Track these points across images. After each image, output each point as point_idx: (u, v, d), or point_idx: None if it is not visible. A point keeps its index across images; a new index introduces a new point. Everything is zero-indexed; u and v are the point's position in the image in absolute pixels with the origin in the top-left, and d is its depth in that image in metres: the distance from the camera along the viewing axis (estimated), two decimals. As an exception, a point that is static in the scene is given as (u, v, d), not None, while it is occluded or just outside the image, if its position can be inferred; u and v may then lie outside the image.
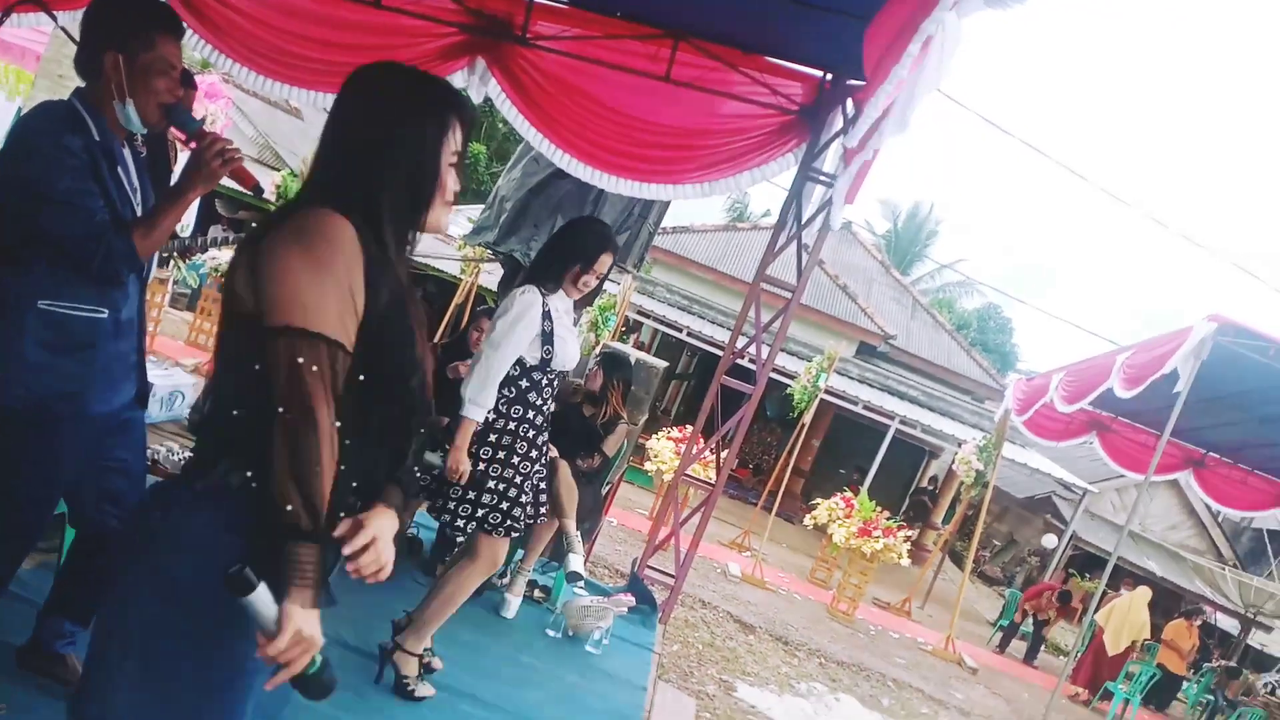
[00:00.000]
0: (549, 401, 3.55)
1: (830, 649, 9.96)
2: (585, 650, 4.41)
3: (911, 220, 39.64)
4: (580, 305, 7.27)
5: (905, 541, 12.05)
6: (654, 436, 11.65)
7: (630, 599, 4.86)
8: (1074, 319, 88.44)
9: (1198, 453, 16.08)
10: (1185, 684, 14.40)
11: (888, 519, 12.11)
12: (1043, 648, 14.01)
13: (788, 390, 13.34)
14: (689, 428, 9.83)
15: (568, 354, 3.51)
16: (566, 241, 3.63)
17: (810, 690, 8.59)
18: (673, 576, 5.92)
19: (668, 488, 6.32)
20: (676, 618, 8.90)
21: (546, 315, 3.43)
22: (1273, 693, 17.98)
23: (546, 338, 3.43)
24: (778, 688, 8.27)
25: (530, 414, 3.47)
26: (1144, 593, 13.05)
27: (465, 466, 3.32)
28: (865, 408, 16.31)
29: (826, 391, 13.45)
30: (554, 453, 4.71)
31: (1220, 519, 24.49)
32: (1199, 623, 14.25)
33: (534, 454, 3.52)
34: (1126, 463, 16.07)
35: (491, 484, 3.40)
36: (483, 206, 6.19)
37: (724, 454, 6.20)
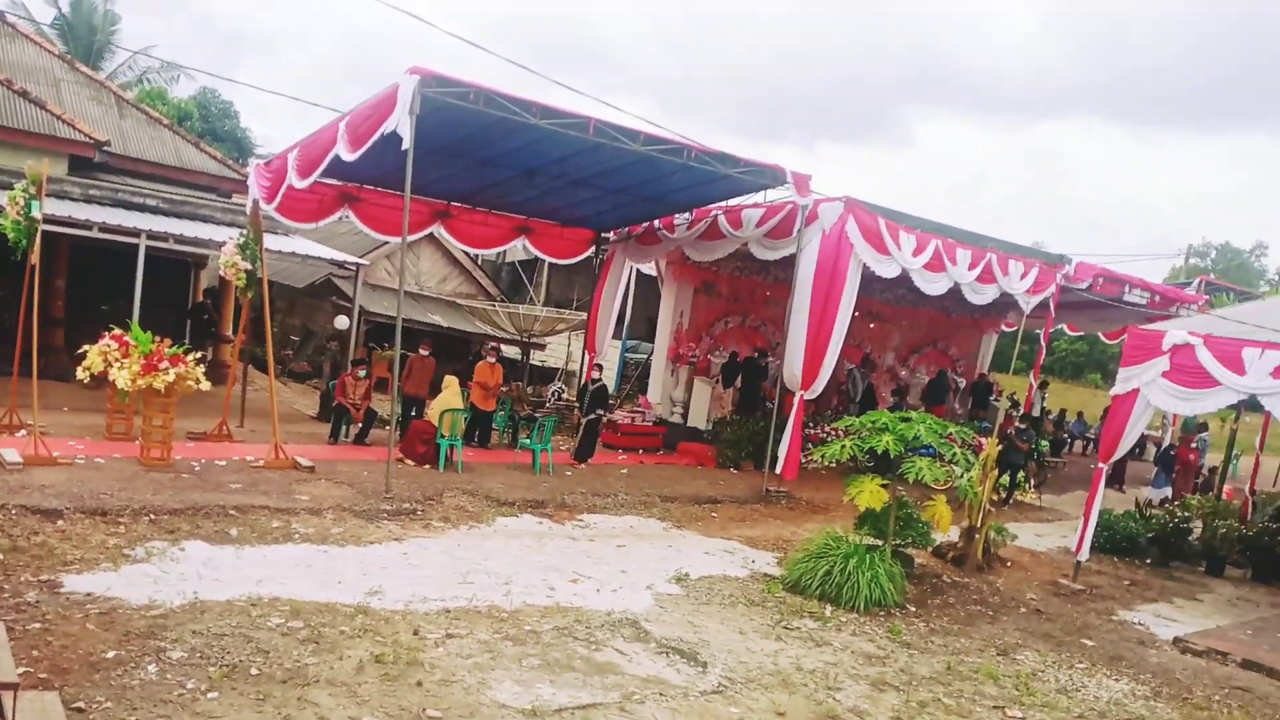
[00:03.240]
0: None
1: (157, 502, 9.34)
2: None
3: (79, 2, 35.19)
4: None
5: (198, 365, 11.56)
6: None
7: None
8: (300, 92, 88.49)
9: (441, 205, 17.83)
10: (494, 415, 16.50)
11: (172, 347, 11.41)
12: (372, 428, 14.78)
13: (-2, 228, 11.38)
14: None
15: None
16: None
17: (150, 551, 8.02)
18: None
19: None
20: (-49, 538, 7.50)
21: None
22: (559, 398, 21.60)
23: None
24: (111, 564, 7.56)
25: None
26: (450, 380, 14.42)
27: None
28: (102, 230, 14.73)
29: (48, 221, 11.75)
30: None
31: (479, 261, 27.78)
32: (493, 358, 16.23)
33: None
34: (384, 229, 17.17)
35: None
36: None
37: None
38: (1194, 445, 21.20)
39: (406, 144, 10.89)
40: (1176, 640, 10.05)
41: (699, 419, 19.08)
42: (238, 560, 8.22)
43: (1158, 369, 11.50)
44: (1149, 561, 13.94)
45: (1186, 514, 14.62)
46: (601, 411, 16.44)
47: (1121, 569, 13.36)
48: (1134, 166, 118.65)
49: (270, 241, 14.50)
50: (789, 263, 15.32)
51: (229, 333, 19.25)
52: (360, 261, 18.92)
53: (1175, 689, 8.44)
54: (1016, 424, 17.67)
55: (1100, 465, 12.29)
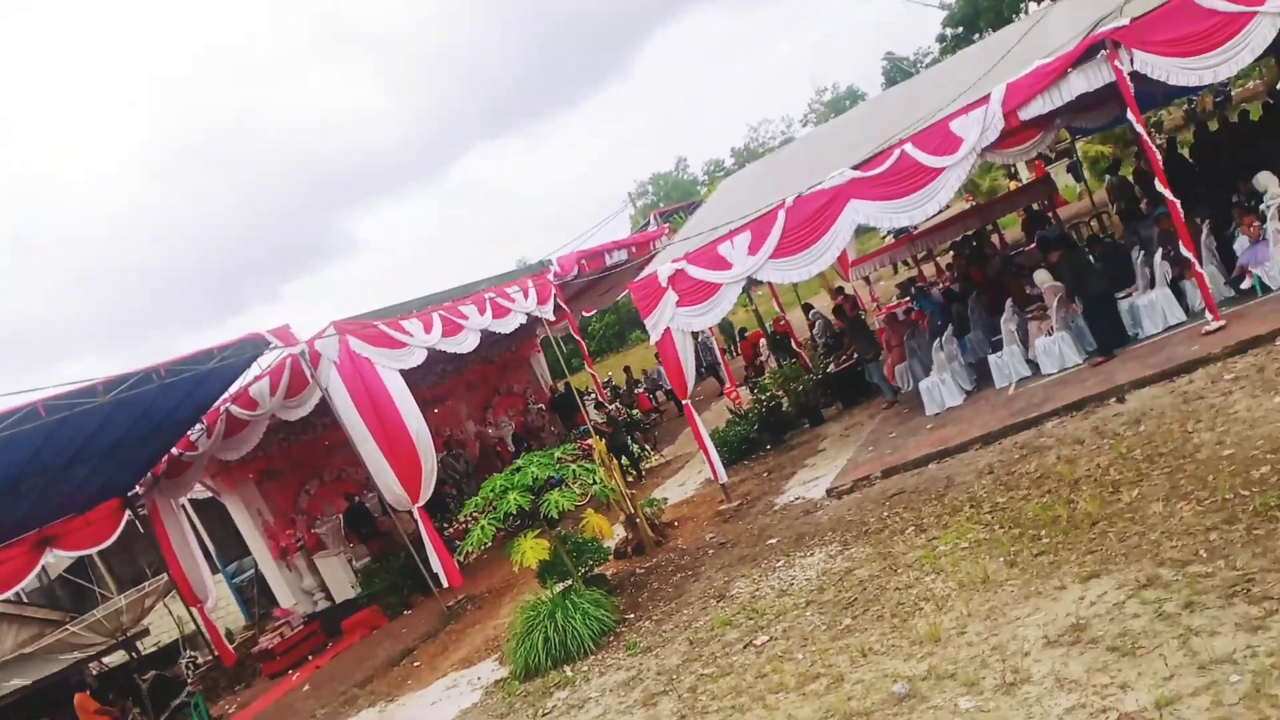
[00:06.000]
0: None
1: None
2: None
3: None
4: None
5: None
6: None
7: None
8: None
9: (34, 535, 16.63)
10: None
11: None
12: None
13: None
14: None
15: None
16: None
17: None
18: None
19: None
20: None
21: None
22: (195, 666, 19.40)
23: None
24: None
25: None
26: None
27: None
28: None
29: None
30: None
31: (24, 598, 24.05)
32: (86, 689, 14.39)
33: None
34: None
35: None
36: None
37: None
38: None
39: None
40: (829, 491, 11.24)
41: (343, 590, 18.02)
42: None
43: (670, 303, 12.65)
44: (770, 448, 15.36)
45: (768, 394, 16.25)
46: (177, 701, 15.04)
47: (756, 467, 14.63)
48: (536, 156, 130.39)
49: None
50: (326, 407, 14.77)
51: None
52: None
53: (854, 530, 9.42)
54: (596, 413, 18.68)
55: (686, 402, 13.29)
